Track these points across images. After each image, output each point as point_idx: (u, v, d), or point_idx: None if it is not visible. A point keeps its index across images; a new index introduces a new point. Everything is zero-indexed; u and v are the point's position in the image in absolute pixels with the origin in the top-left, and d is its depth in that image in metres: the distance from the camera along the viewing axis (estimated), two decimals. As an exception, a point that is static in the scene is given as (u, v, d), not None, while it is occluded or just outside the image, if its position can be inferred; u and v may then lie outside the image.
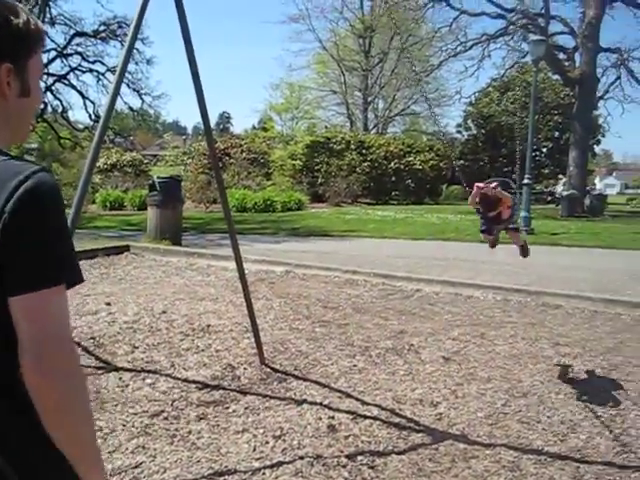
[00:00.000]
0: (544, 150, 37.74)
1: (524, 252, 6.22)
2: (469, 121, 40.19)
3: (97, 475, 1.34)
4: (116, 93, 4.51)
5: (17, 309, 1.21)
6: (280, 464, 3.75)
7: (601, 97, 28.77)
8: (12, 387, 1.25)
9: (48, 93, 24.19)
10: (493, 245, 6.19)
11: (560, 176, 30.95)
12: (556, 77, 32.13)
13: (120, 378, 5.06)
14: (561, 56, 27.35)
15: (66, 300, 1.28)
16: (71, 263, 1.31)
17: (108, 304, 7.16)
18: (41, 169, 1.28)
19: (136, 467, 3.63)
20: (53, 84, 24.17)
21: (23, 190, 1.22)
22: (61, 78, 24.18)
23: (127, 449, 3.86)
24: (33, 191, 1.23)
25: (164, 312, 6.94)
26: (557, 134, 36.48)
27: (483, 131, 38.24)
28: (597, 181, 29.90)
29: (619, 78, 28.09)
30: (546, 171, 36.52)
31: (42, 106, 23.95)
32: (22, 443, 1.27)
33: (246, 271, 5.64)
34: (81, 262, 5.81)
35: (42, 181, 1.25)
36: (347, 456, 3.87)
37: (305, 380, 5.21)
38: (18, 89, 1.36)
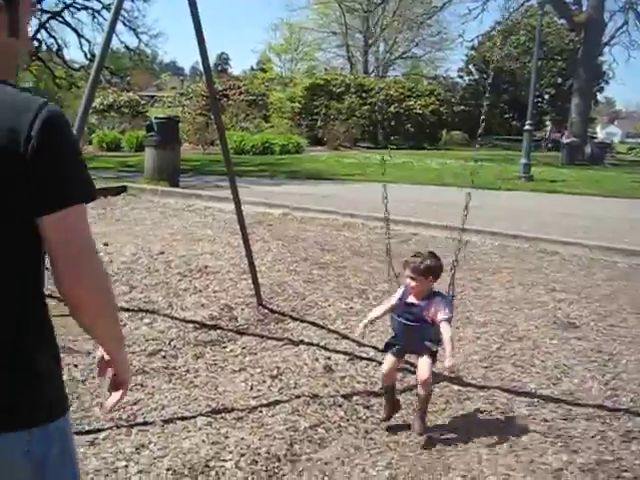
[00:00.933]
0: (546, 97, 37.30)
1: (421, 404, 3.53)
2: (470, 66, 39.60)
3: (122, 351, 1.62)
4: (111, 31, 4.40)
5: (51, 226, 1.31)
6: (277, 403, 3.80)
7: (607, 43, 28.31)
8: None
9: (42, 30, 23.68)
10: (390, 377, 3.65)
11: (547, 123, 30.67)
12: (562, 21, 31.58)
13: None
14: (567, -1, 26.77)
15: (87, 215, 1.40)
16: (90, 181, 1.41)
17: (106, 244, 7.15)
18: (47, 100, 1.35)
19: (134, 404, 3.67)
20: (47, 21, 23.62)
21: (45, 118, 1.30)
22: (55, 15, 23.59)
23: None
24: (53, 119, 1.31)
25: (162, 253, 6.94)
26: (560, 80, 36.00)
27: (485, 76, 37.69)
28: (599, 129, 29.59)
29: (626, 23, 27.59)
30: (548, 118, 36.16)
31: (36, 44, 23.47)
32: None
33: (244, 213, 5.61)
34: (78, 200, 5.61)
35: (57, 110, 1.34)
36: (343, 396, 3.92)
37: (302, 321, 5.24)
38: (7, 29, 1.37)
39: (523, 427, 3.63)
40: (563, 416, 3.78)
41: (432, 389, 3.57)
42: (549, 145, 30.19)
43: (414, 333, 3.49)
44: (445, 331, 3.38)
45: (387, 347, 3.65)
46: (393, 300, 3.64)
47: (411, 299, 3.51)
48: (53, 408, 1.42)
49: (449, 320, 3.44)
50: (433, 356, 3.49)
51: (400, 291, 3.64)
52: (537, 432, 3.57)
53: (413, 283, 3.47)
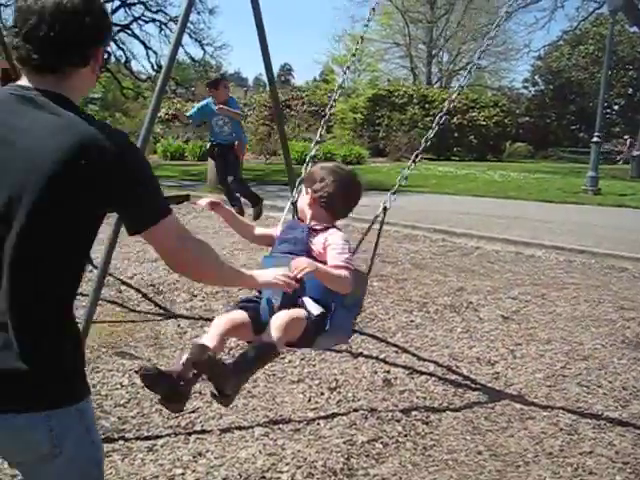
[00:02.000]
0: (616, 107, 36.29)
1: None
2: (537, 76, 38.87)
3: (253, 281, 2.08)
4: (178, 43, 4.47)
5: (152, 237, 1.61)
6: (334, 415, 3.77)
7: (681, 52, 27.35)
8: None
9: (112, 43, 24.39)
10: None
11: (626, 136, 29.58)
12: (634, 29, 30.64)
13: (179, 325, 5.16)
14: None
15: (174, 217, 1.64)
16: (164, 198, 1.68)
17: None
18: (123, 132, 1.64)
19: (193, 412, 3.70)
20: (117, 34, 24.31)
21: (121, 143, 1.53)
22: (124, 28, 24.26)
23: (184, 393, 3.93)
24: (129, 143, 1.58)
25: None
26: (631, 91, 34.98)
27: (551, 87, 36.94)
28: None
29: (701, 32, 26.59)
30: (617, 129, 35.14)
31: (106, 56, 24.16)
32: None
33: (305, 223, 5.62)
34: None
35: (130, 141, 1.60)
36: (401, 411, 3.86)
37: (362, 334, 5.20)
38: (99, 66, 1.66)
39: (589, 451, 3.49)
40: (632, 441, 3.63)
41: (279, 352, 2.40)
42: (627, 159, 29.12)
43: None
44: (333, 270, 2.39)
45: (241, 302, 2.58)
46: (271, 230, 2.83)
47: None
48: (76, 392, 1.57)
49: (343, 269, 2.42)
50: (316, 324, 2.40)
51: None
52: (604, 456, 3.43)
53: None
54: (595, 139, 16.47)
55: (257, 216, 7.38)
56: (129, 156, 1.54)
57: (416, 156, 3.33)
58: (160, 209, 1.61)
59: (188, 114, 7.56)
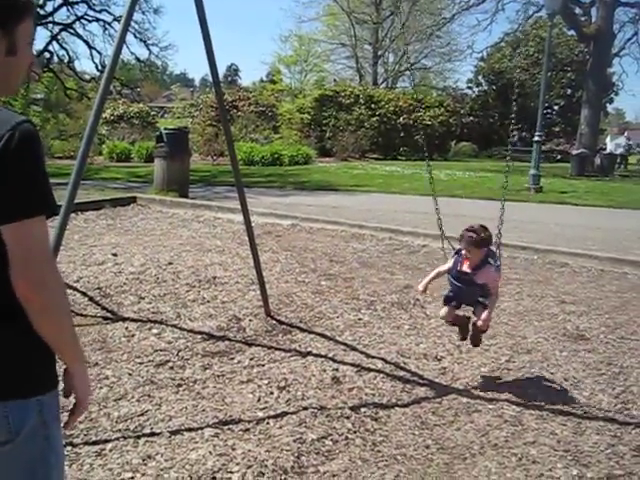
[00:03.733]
0: (555, 108, 37.24)
1: (475, 339, 4.52)
2: (480, 77, 39.60)
3: (78, 364, 1.70)
4: (121, 42, 4.43)
5: (9, 234, 1.48)
6: (284, 414, 3.78)
7: (616, 54, 28.29)
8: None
9: (54, 42, 23.85)
10: (464, 336, 4.61)
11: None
12: (571, 32, 31.55)
13: (126, 328, 5.10)
14: (577, 10, 26.75)
15: (47, 227, 1.55)
16: (51, 198, 1.56)
17: (114, 255, 7.18)
18: (26, 120, 1.53)
19: (142, 415, 3.67)
20: (59, 33, 23.79)
21: (12, 136, 1.48)
22: (67, 27, 23.76)
23: (133, 397, 3.90)
24: (21, 137, 1.49)
25: (170, 263, 6.95)
26: (569, 91, 35.97)
27: (494, 87, 37.68)
28: (608, 140, 29.46)
29: (636, 34, 27.60)
30: (557, 129, 36.08)
31: (48, 55, 23.62)
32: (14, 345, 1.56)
33: (253, 224, 5.62)
34: (88, 213, 5.93)
35: (27, 129, 1.51)
36: (351, 408, 3.90)
37: (310, 332, 5.23)
38: (5, 49, 1.56)
39: (532, 440, 3.60)
40: (573, 429, 3.75)
41: (487, 327, 4.33)
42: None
43: (467, 295, 4.26)
44: (493, 296, 4.24)
45: (445, 300, 4.39)
46: (445, 266, 4.35)
47: (465, 267, 4.16)
48: (39, 383, 1.59)
49: (496, 287, 4.25)
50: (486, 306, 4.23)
51: (451, 261, 4.29)
52: (546, 445, 3.55)
53: (469, 255, 4.11)
54: (536, 138, 16.91)
55: None
56: (23, 144, 1.48)
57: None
58: (36, 203, 1.50)
59: None
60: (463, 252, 4.18)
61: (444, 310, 4.41)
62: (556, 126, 36.23)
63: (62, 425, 1.73)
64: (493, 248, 4.36)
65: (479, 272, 4.11)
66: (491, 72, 37.69)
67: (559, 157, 30.77)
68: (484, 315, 4.17)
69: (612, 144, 27.53)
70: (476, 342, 4.49)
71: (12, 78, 1.65)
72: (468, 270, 4.16)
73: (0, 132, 1.47)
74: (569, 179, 21.17)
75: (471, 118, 36.19)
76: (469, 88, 41.17)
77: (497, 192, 15.59)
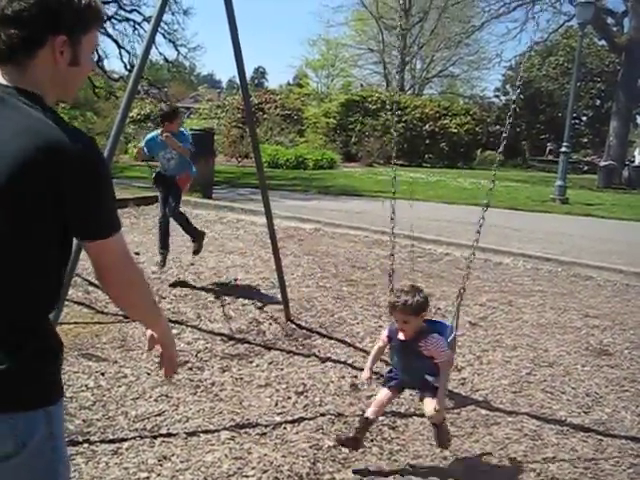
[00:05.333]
0: (584, 119, 36.90)
1: (440, 437, 3.37)
2: (508, 86, 39.36)
3: (162, 327, 1.89)
4: (150, 42, 4.45)
5: (89, 249, 1.60)
6: (301, 420, 3.77)
7: (648, 65, 27.84)
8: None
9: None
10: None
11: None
12: (602, 43, 31.25)
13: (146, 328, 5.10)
14: (609, 20, 26.48)
15: (123, 237, 1.67)
16: (117, 214, 1.67)
17: (137, 253, 7.22)
18: (90, 137, 1.57)
19: (159, 415, 3.68)
20: (90, 31, 24.00)
21: (86, 156, 1.51)
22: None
23: (151, 397, 3.91)
24: (95, 157, 1.54)
25: (192, 264, 6.98)
26: (598, 102, 35.63)
27: (522, 96, 37.42)
28: (637, 153, 29.09)
29: (668, 45, 27.10)
30: (584, 140, 35.74)
31: (96, 57, 23.83)
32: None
33: (275, 227, 5.62)
34: (111, 210, 5.62)
35: (97, 148, 1.57)
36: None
37: (330, 338, 5.21)
38: (69, 59, 1.58)
39: (552, 456, 3.54)
40: (594, 447, 3.69)
41: (444, 417, 3.36)
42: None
43: (414, 370, 3.29)
44: (442, 374, 3.21)
45: (386, 381, 3.42)
46: (381, 342, 3.43)
47: (403, 337, 3.23)
48: (46, 395, 1.56)
49: (448, 362, 3.25)
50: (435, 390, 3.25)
51: (385, 331, 3.42)
52: (566, 461, 3.49)
53: (405, 325, 3.19)
54: (564, 149, 16.74)
55: (196, 251, 6.82)
56: (91, 163, 1.52)
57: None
58: (114, 223, 1.61)
59: (141, 144, 6.80)
60: (398, 324, 3.26)
61: (382, 393, 3.39)
62: (584, 137, 35.92)
63: (164, 376, 2.01)
64: (449, 318, 3.74)
65: (424, 342, 3.20)
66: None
67: (586, 168, 30.45)
68: (434, 403, 3.18)
69: (641, 157, 27.16)
70: (442, 442, 3.37)
71: (71, 86, 1.68)
72: (405, 339, 3.25)
73: (72, 151, 1.47)
74: (596, 191, 20.94)
75: (497, 127, 35.97)
76: (496, 97, 40.96)
77: (521, 202, 15.50)
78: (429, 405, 3.21)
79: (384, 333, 3.42)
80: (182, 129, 6.95)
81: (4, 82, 1.53)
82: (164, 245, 6.67)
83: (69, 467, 1.77)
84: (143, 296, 1.77)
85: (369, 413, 3.35)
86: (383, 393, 3.38)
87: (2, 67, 1.54)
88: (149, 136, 6.76)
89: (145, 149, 6.65)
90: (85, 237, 1.59)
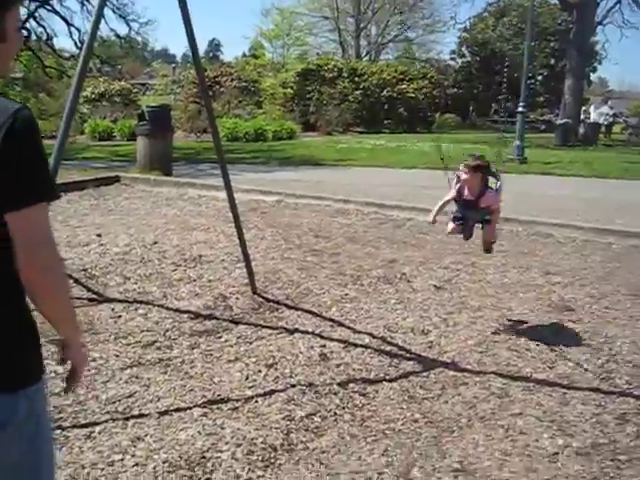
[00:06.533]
0: (539, 78, 37.15)
1: (487, 248, 5.42)
2: (463, 48, 39.39)
3: (76, 337, 1.80)
4: (99, 18, 4.37)
5: (14, 221, 1.51)
6: (272, 392, 3.80)
7: (600, 22, 28.04)
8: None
9: (31, 20, 23.36)
10: (467, 238, 5.31)
11: None
12: (554, 1, 31.37)
13: (112, 309, 5.08)
14: (560, -22, 26.55)
15: (48, 212, 1.59)
16: (52, 183, 1.63)
17: (99, 235, 7.13)
18: (24, 107, 1.56)
19: (130, 396, 3.67)
20: (36, 10, 23.26)
21: (13, 124, 1.50)
22: (44, 3, 23.27)
23: (121, 379, 3.90)
24: (22, 125, 1.52)
25: (155, 243, 6.92)
26: (553, 61, 35.84)
27: (477, 58, 37.51)
28: (592, 109, 29.46)
29: (619, 2, 27.28)
30: (541, 99, 36.03)
31: (25, 33, 23.14)
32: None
33: (237, 201, 5.59)
34: (71, 194, 5.85)
35: (27, 116, 1.54)
36: (339, 384, 3.92)
37: (297, 309, 5.24)
38: None
39: (518, 412, 3.64)
40: (558, 400, 3.80)
41: (493, 245, 5.33)
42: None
43: (473, 217, 4.92)
44: (495, 215, 4.92)
45: (453, 218, 4.99)
46: (451, 194, 4.87)
47: (467, 195, 4.72)
48: (26, 375, 1.60)
49: (498, 209, 4.90)
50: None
51: (453, 184, 4.86)
52: (532, 416, 3.59)
53: (466, 176, 4.64)
54: (520, 109, 16.89)
55: None
56: (25, 132, 1.52)
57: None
58: (44, 191, 1.55)
59: None
60: (463, 177, 4.72)
61: (450, 225, 5.03)
62: (540, 96, 36.19)
63: (65, 390, 1.87)
64: (494, 170, 5.00)
65: (482, 198, 4.70)
66: (474, 43, 37.47)
67: (543, 127, 30.76)
68: (490, 230, 5.03)
69: (596, 113, 27.53)
70: (488, 250, 5.39)
71: (1, 64, 1.67)
72: (472, 198, 4.73)
73: (0, 120, 1.48)
74: (553, 149, 21.20)
75: (455, 90, 36.08)
76: (452, 59, 40.95)
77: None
78: (487, 231, 5.07)
79: (453, 190, 4.83)
80: None
81: None
82: None
83: (53, 446, 1.79)
84: (64, 286, 1.70)
85: (451, 232, 5.24)
86: (451, 226, 5.07)
87: None
88: None
89: None
90: (13, 205, 1.50)
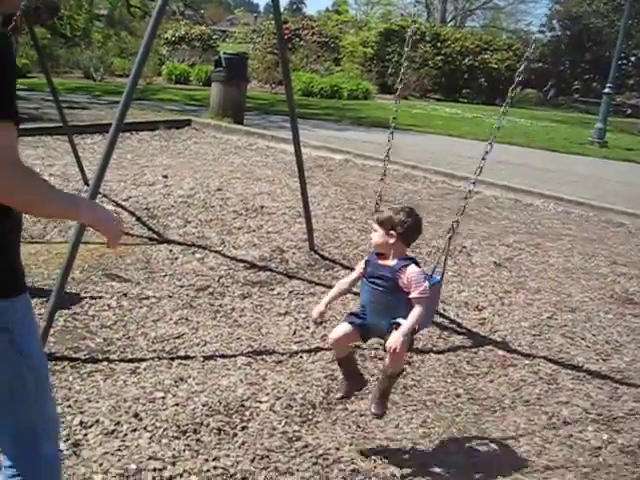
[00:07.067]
0: (632, 59, 35.50)
1: (382, 386, 2.97)
2: (554, 21, 37.90)
3: (82, 215, 1.76)
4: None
5: None
6: (318, 350, 3.80)
7: None
8: None
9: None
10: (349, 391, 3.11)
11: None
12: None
13: (170, 250, 5.15)
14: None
15: (14, 133, 1.51)
16: (11, 106, 1.51)
17: (165, 177, 7.22)
18: None
19: (178, 337, 3.73)
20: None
21: None
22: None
23: (171, 319, 3.96)
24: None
25: (219, 189, 6.96)
26: (650, 42, 34.16)
27: (568, 33, 36.07)
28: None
29: None
30: (631, 82, 34.48)
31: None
32: None
33: (305, 156, 5.55)
34: (142, 133, 5.93)
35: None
36: (385, 349, 3.88)
37: (352, 270, 5.18)
38: None
39: (565, 401, 3.54)
40: (609, 394, 3.68)
41: (402, 371, 3.03)
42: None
43: (384, 302, 2.84)
44: (415, 310, 2.76)
45: (348, 315, 3.04)
46: (354, 274, 3.08)
47: (382, 262, 2.90)
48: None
49: (424, 299, 2.79)
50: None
51: (362, 262, 3.05)
52: (579, 407, 3.49)
53: (373, 235, 2.94)
54: (607, 90, 16.18)
55: None
56: None
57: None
58: None
59: None
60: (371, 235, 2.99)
61: (340, 327, 2.96)
62: (631, 78, 34.61)
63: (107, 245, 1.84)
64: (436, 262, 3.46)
65: (400, 267, 2.82)
66: (567, 16, 36.00)
67: (630, 111, 29.51)
68: (396, 335, 2.71)
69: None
70: (382, 393, 2.96)
71: None
72: (388, 263, 2.88)
73: None
74: (637, 135, 20.34)
75: (540, 64, 34.86)
76: (541, 32, 39.51)
77: (558, 143, 15.13)
78: (395, 336, 2.72)
79: (360, 264, 3.04)
80: None
81: None
82: None
83: (41, 362, 1.78)
84: (37, 198, 1.59)
85: (335, 355, 3.13)
86: (342, 327, 2.94)
87: None
88: None
89: None
90: None
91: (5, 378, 1.66)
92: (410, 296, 2.79)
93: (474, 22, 47.01)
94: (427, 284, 2.85)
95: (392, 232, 2.87)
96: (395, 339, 2.71)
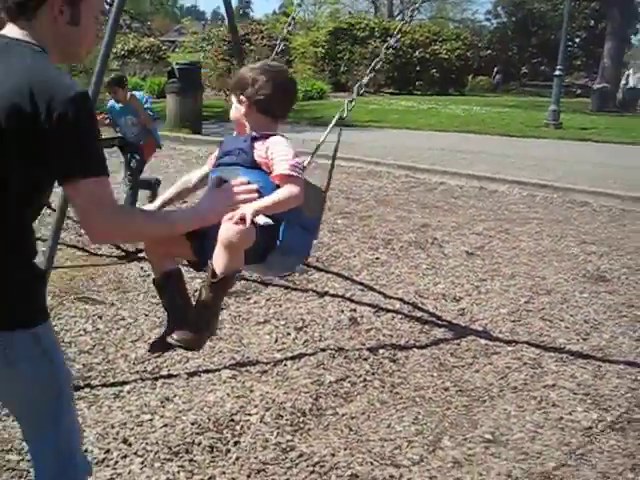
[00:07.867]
0: (577, 40, 36.15)
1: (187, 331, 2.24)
2: (499, 8, 38.40)
3: (196, 222, 1.89)
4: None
5: (76, 191, 1.54)
6: (302, 356, 3.77)
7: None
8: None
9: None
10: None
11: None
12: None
13: (142, 268, 5.07)
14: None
15: (104, 184, 1.57)
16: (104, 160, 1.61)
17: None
18: (74, 83, 1.55)
19: (159, 356, 3.66)
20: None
21: (74, 100, 1.49)
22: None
23: (150, 338, 3.87)
24: (81, 101, 1.52)
25: (185, 202, 6.85)
26: (593, 23, 34.81)
27: (514, 19, 36.58)
28: (631, 74, 28.59)
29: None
30: (578, 62, 35.10)
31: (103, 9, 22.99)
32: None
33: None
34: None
35: (85, 94, 1.54)
36: (369, 349, 3.87)
37: (327, 272, 5.18)
38: (68, 18, 1.61)
39: (552, 384, 3.56)
40: (593, 373, 3.71)
41: (239, 271, 2.28)
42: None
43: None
44: (276, 193, 2.05)
45: None
46: (208, 163, 2.40)
47: (239, 131, 2.32)
48: (30, 317, 1.64)
49: (291, 180, 2.10)
50: (265, 237, 2.06)
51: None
52: (566, 389, 3.51)
53: (241, 115, 2.26)
54: (557, 72, 16.42)
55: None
56: (74, 106, 1.50)
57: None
58: (88, 166, 1.55)
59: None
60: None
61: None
62: (577, 59, 35.25)
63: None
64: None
65: (258, 139, 2.21)
66: (511, 3, 36.49)
67: (580, 92, 30.02)
68: (245, 206, 1.93)
69: (635, 78, 26.72)
70: (200, 311, 2.27)
71: (73, 46, 1.68)
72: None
73: (60, 96, 1.48)
74: (590, 115, 20.69)
75: (489, 51, 35.28)
76: (487, 20, 40.02)
77: (515, 128, 15.31)
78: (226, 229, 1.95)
79: (215, 153, 2.35)
80: (139, 94, 6.85)
81: (15, 36, 1.60)
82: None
83: (69, 376, 1.85)
84: (140, 233, 1.81)
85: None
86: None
87: (15, 23, 1.61)
88: (108, 106, 6.63)
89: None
90: (64, 173, 1.55)
91: (51, 394, 1.72)
92: (273, 174, 2.09)
93: (421, 14, 47.35)
94: (301, 160, 2.21)
95: (242, 97, 2.23)
96: (241, 209, 1.91)
